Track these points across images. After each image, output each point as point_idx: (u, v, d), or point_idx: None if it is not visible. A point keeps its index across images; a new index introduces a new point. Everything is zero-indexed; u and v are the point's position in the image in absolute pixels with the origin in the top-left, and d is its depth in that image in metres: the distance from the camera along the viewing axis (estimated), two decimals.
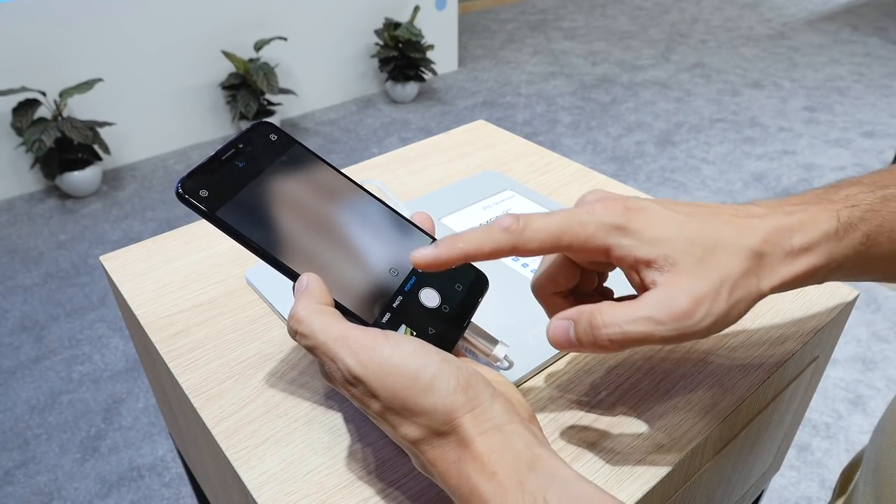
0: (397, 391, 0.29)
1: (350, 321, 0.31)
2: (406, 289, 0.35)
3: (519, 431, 0.29)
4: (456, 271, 0.36)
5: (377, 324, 0.33)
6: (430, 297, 0.35)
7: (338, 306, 0.32)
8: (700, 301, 0.30)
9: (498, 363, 0.36)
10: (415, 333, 0.33)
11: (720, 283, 0.30)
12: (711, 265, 0.31)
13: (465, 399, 0.29)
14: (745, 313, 0.32)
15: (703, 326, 0.30)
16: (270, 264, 0.33)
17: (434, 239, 0.38)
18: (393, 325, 0.33)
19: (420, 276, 0.35)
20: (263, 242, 0.32)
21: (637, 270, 0.32)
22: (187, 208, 0.33)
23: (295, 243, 0.33)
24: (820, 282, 0.34)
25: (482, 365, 0.33)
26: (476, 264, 0.37)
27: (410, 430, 0.29)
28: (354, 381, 0.29)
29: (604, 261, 0.33)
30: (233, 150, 0.35)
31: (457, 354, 0.34)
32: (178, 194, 0.32)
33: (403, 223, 0.37)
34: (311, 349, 0.31)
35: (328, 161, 0.37)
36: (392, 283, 0.35)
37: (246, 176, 0.34)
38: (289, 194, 0.35)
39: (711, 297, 0.30)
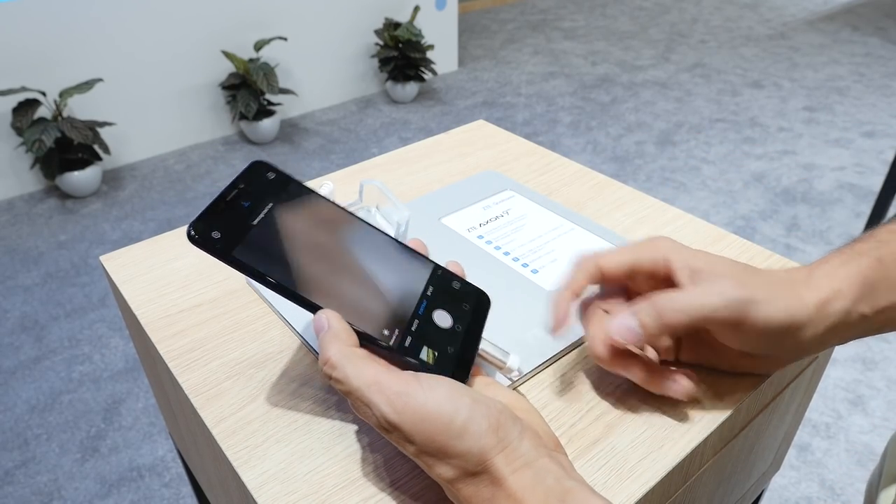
0: (432, 436, 0.30)
1: (372, 346, 0.33)
2: (420, 312, 0.35)
3: (548, 466, 0.30)
4: (460, 292, 0.37)
5: (400, 348, 0.33)
6: (442, 319, 0.36)
7: (360, 335, 0.33)
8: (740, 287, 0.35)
9: (510, 374, 0.37)
10: (436, 354, 0.34)
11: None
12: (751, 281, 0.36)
13: (497, 440, 0.30)
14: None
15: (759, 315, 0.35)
16: (289, 299, 0.33)
17: (434, 263, 0.38)
18: (415, 348, 0.33)
19: (429, 300, 0.36)
20: (282, 278, 0.33)
21: (681, 271, 0.37)
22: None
23: (312, 276, 0.34)
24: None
25: (506, 390, 0.34)
26: (474, 282, 0.38)
27: (445, 471, 0.30)
28: (391, 427, 0.31)
29: (661, 275, 0.38)
30: (235, 190, 0.35)
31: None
32: (190, 237, 0.32)
33: (403, 249, 0.38)
34: (345, 394, 0.32)
35: (324, 196, 0.38)
36: (405, 307, 0.35)
37: (252, 214, 0.35)
38: (297, 229, 0.35)
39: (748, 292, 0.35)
